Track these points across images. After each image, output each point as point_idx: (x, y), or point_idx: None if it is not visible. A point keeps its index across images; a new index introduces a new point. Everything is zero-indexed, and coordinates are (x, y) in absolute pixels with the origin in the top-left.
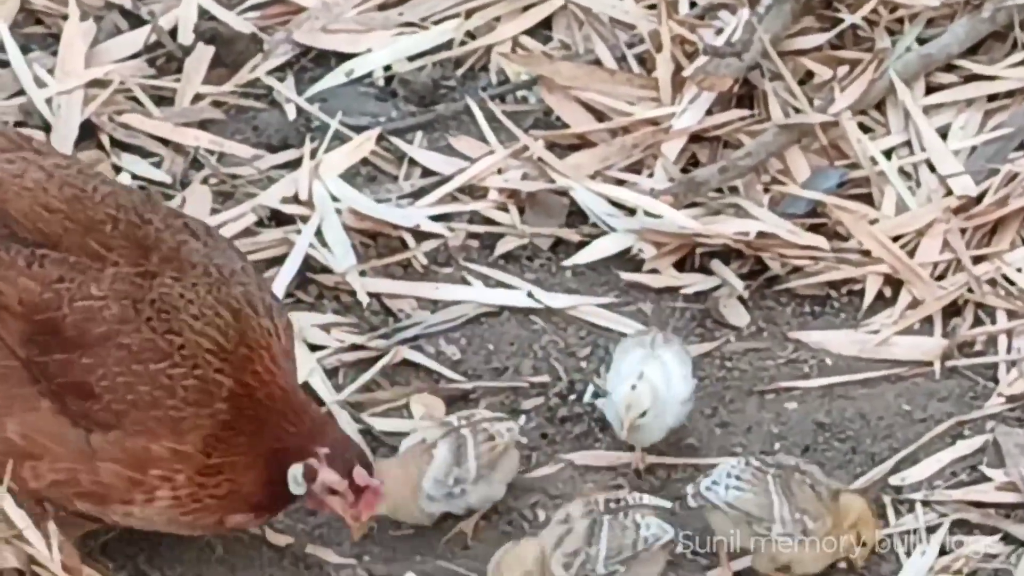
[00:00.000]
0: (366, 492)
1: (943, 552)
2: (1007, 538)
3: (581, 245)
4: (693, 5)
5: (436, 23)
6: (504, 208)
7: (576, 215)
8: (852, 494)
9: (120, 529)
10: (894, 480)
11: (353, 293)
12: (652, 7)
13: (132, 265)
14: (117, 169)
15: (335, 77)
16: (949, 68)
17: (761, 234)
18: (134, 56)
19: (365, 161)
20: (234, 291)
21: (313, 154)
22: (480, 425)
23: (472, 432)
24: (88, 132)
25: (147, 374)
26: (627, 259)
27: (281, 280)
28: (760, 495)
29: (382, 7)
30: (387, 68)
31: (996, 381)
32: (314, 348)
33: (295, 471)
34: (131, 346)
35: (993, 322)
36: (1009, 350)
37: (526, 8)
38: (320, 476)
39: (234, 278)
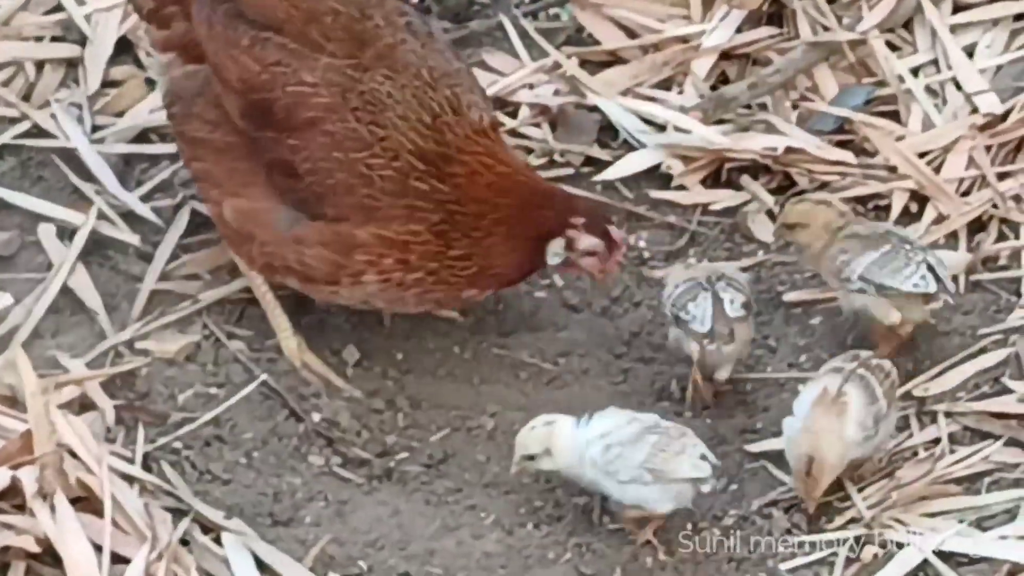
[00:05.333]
0: (618, 246)
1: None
2: None
3: (611, 163)
4: None
5: None
6: (536, 124)
7: (607, 131)
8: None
9: None
10: (917, 392)
11: None
12: None
13: (346, 57)
14: (151, 83)
15: None
16: None
17: (789, 150)
18: None
19: None
20: (441, 95)
21: None
22: (871, 362)
23: (870, 371)
24: (124, 48)
25: (347, 161)
26: (656, 175)
27: None
28: None
29: None
30: None
31: (1019, 295)
32: None
33: (556, 246)
34: (335, 133)
35: (1017, 237)
36: None
37: None
38: (580, 244)
39: (444, 80)
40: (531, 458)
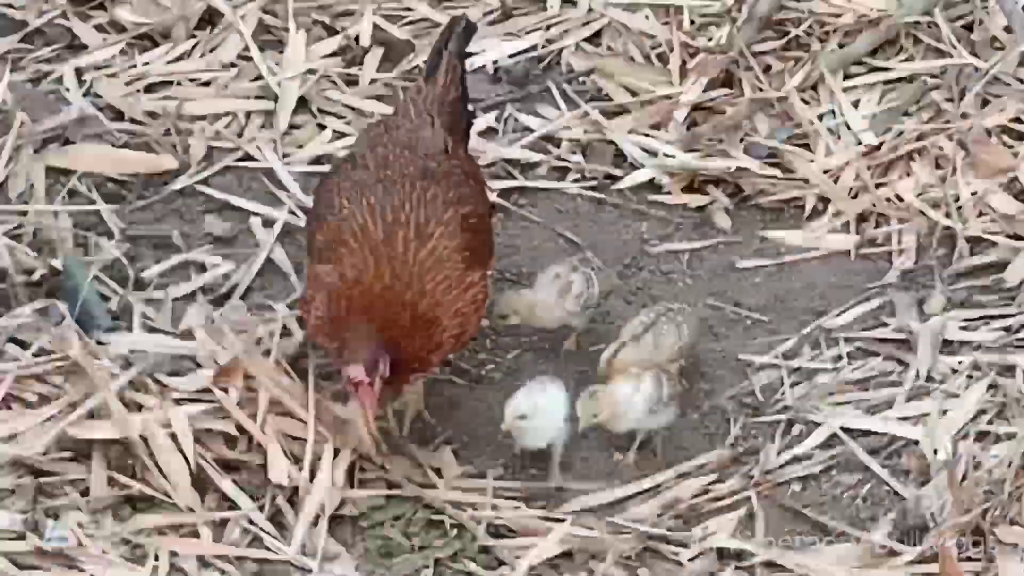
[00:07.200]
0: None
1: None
2: (899, 361)
3: (622, 177)
4: (692, 22)
5: (527, 33)
6: (573, 152)
7: (619, 156)
8: None
9: None
10: (827, 325)
11: None
12: (667, 23)
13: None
14: (321, 127)
15: None
16: (859, 63)
17: (739, 168)
18: (333, 54)
19: None
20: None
21: None
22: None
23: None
24: (303, 103)
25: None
26: (653, 185)
27: None
28: None
29: (491, 23)
30: (495, 62)
31: (890, 262)
32: None
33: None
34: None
35: (888, 224)
36: (899, 243)
37: (585, 23)
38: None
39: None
40: (523, 417)
